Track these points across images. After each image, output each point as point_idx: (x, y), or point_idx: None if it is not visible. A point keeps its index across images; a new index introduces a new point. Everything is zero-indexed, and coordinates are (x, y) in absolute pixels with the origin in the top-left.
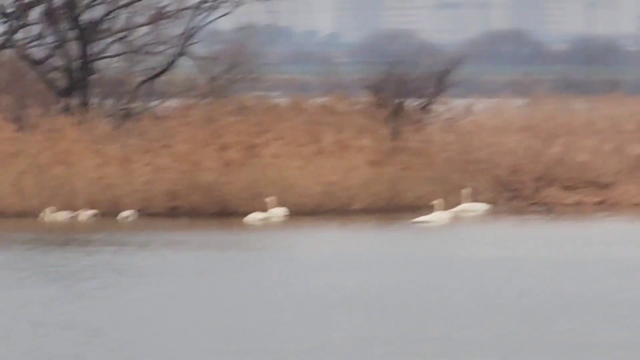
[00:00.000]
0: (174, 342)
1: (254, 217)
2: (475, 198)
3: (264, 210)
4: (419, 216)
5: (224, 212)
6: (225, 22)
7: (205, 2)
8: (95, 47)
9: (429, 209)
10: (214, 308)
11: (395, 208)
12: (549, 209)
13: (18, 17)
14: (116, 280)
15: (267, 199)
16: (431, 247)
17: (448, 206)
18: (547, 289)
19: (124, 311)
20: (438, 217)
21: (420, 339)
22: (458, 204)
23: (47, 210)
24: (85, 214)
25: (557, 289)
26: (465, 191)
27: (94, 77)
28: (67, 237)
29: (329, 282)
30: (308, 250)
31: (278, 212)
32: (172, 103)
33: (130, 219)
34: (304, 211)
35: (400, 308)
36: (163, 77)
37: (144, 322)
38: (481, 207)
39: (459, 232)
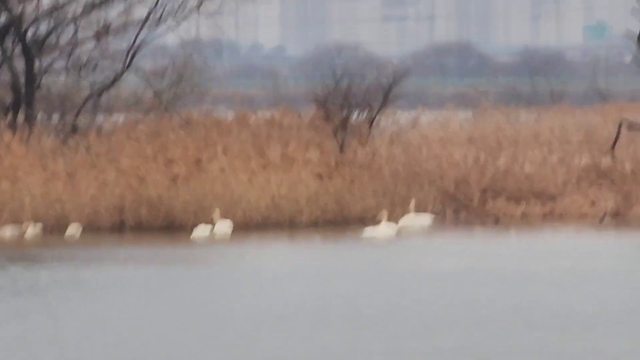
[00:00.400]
0: (120, 358)
1: (201, 230)
2: (421, 210)
3: (210, 222)
4: (365, 228)
5: (171, 226)
6: (170, 37)
7: (150, 17)
8: (41, 63)
9: (376, 221)
10: (160, 323)
11: (342, 221)
12: (497, 220)
13: None
14: (62, 296)
15: (213, 212)
16: (379, 260)
17: (394, 219)
18: (497, 300)
19: (71, 327)
20: (384, 229)
21: (378, 351)
22: (405, 216)
23: None
24: (31, 230)
25: (505, 300)
26: (411, 203)
27: (39, 92)
28: (12, 253)
29: (278, 296)
30: (256, 264)
31: (223, 224)
32: (118, 118)
33: (76, 234)
34: (251, 225)
35: (351, 321)
36: (109, 92)
37: (88, 337)
38: (427, 219)
39: (406, 245)
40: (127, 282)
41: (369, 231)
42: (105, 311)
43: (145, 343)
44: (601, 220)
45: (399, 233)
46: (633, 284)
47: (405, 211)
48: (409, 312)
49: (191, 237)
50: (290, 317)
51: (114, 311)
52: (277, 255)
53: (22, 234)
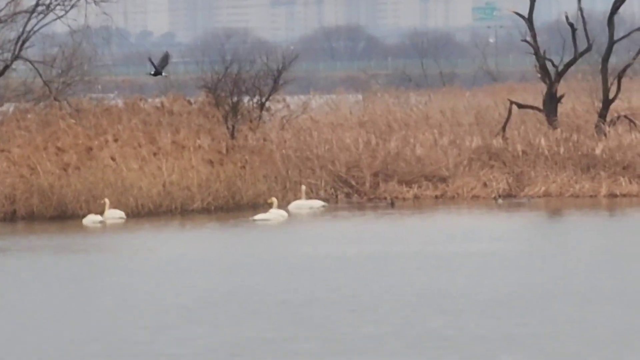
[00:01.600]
0: (9, 346)
1: (91, 219)
2: (313, 194)
3: (101, 212)
4: (257, 214)
5: (63, 215)
6: (59, 26)
7: (39, 6)
8: None
9: (267, 206)
10: (55, 312)
11: (234, 206)
12: (392, 202)
13: None
14: None
15: (102, 201)
16: (270, 246)
17: (286, 204)
18: (393, 284)
19: None
20: (275, 214)
21: (274, 339)
22: (297, 200)
23: None
24: None
25: (400, 283)
26: (303, 188)
27: None
28: None
29: (172, 284)
30: (149, 252)
31: (113, 214)
32: (8, 108)
33: None
34: (143, 213)
35: (249, 308)
36: None
37: None
38: (318, 203)
39: (297, 230)
40: (20, 271)
41: (261, 216)
42: None
43: (42, 331)
44: (495, 200)
45: (290, 218)
46: (530, 267)
47: (296, 196)
48: (302, 297)
49: (83, 223)
50: (186, 305)
51: (6, 300)
52: (169, 242)
53: None
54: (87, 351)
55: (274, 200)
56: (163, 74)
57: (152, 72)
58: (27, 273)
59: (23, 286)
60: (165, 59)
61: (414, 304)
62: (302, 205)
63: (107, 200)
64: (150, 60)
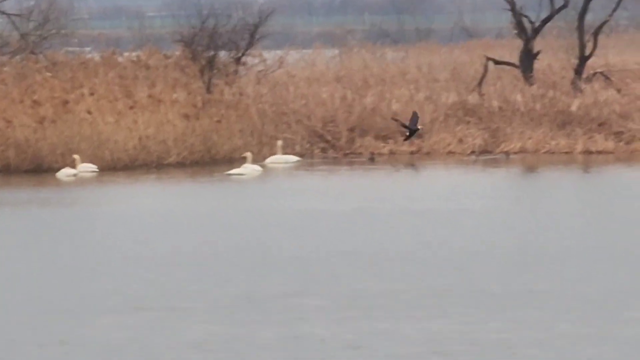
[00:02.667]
0: None
1: (65, 172)
2: (289, 149)
3: (74, 166)
4: (233, 168)
5: (39, 169)
6: None
7: None
8: None
9: (242, 161)
10: (33, 265)
11: (210, 161)
12: (371, 157)
13: None
14: None
15: (75, 155)
16: (245, 200)
17: (262, 158)
18: (369, 238)
19: None
20: (251, 169)
21: (245, 291)
22: (272, 155)
23: None
24: None
25: (381, 239)
26: (278, 143)
27: None
28: None
29: (148, 237)
30: (125, 205)
31: (86, 167)
32: None
33: None
34: (119, 166)
35: (226, 262)
36: None
37: None
38: (293, 158)
39: (271, 184)
40: None
41: (236, 170)
42: None
43: (20, 284)
44: (471, 156)
45: (264, 172)
46: (506, 222)
47: (272, 151)
48: (274, 251)
49: (56, 176)
50: (162, 258)
51: None
52: (145, 196)
53: None
54: (93, 306)
55: (249, 154)
56: (419, 127)
57: (407, 134)
58: (3, 226)
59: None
60: (415, 118)
61: (413, 260)
62: (277, 160)
63: (77, 157)
64: (403, 124)
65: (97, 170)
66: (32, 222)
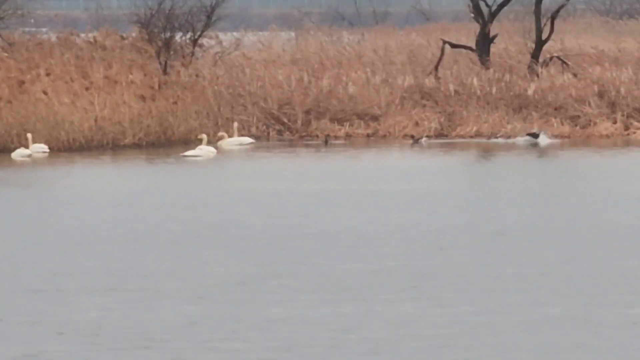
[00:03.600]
0: None
1: (20, 153)
2: (245, 131)
3: (26, 146)
4: (189, 150)
5: None
6: None
7: None
8: None
9: (197, 143)
10: None
11: (166, 142)
12: (326, 140)
13: None
14: None
15: (28, 134)
16: (198, 182)
17: (217, 140)
18: (320, 220)
19: None
20: (206, 151)
21: (188, 269)
22: (225, 137)
23: None
24: None
25: (336, 219)
26: (234, 125)
27: None
28: None
29: (102, 217)
30: (79, 186)
31: (37, 148)
32: None
33: None
34: (75, 147)
35: (188, 242)
36: None
37: None
38: (247, 140)
39: (225, 166)
40: None
41: (191, 152)
42: None
43: None
44: (416, 141)
45: (219, 154)
46: (461, 205)
47: (228, 132)
48: (225, 231)
49: (11, 156)
50: (120, 239)
51: None
52: (101, 177)
53: None
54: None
55: (204, 136)
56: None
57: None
58: None
59: None
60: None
61: (381, 239)
62: (232, 142)
63: (29, 135)
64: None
65: (47, 150)
66: None
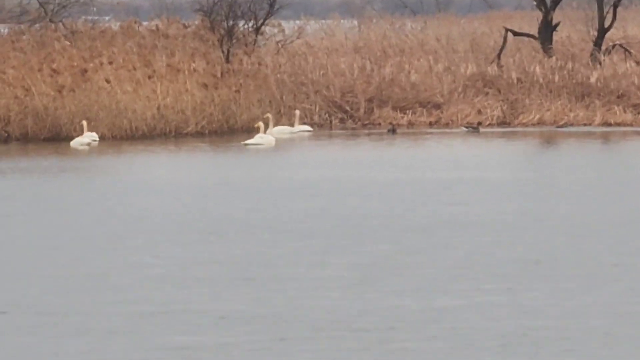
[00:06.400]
0: (13, 266)
1: (79, 141)
2: (307, 120)
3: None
4: (251, 138)
5: (57, 137)
6: None
7: None
8: None
9: (256, 131)
10: (54, 232)
11: (228, 131)
12: (392, 129)
13: None
14: None
15: (83, 122)
16: (265, 169)
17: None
18: (382, 209)
19: None
20: (267, 139)
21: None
22: (290, 126)
23: None
24: None
25: (393, 210)
26: (296, 113)
27: None
28: None
29: (166, 206)
30: (142, 174)
31: (89, 137)
32: (3, 29)
33: None
34: (138, 135)
35: (246, 231)
36: None
37: None
38: (308, 128)
39: (286, 155)
40: (16, 192)
41: (253, 140)
42: None
43: (31, 250)
44: (472, 129)
45: (281, 142)
46: (514, 194)
47: (290, 121)
48: (304, 219)
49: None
50: (182, 226)
51: (4, 222)
52: (162, 165)
53: None
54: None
55: (261, 124)
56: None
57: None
58: (23, 194)
59: (18, 206)
60: None
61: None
62: (283, 130)
63: (84, 123)
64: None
65: (97, 139)
66: (52, 190)
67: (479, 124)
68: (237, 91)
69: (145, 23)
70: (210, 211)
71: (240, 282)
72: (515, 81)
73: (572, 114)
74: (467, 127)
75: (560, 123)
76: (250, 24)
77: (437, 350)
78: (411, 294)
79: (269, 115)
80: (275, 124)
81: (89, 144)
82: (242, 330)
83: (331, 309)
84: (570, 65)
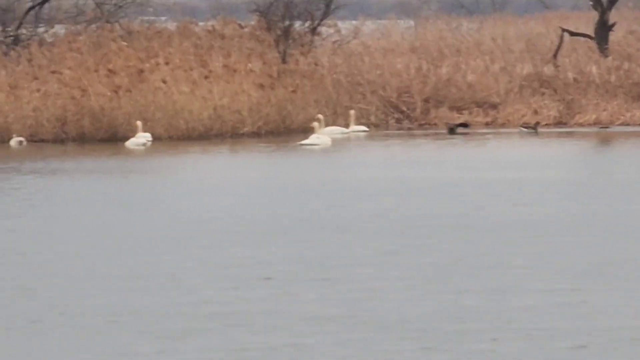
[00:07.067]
0: (75, 265)
1: (134, 142)
2: (364, 120)
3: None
4: (307, 138)
5: (113, 137)
6: None
7: None
8: None
9: (311, 131)
10: (111, 232)
11: (284, 131)
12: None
13: None
14: (9, 206)
15: (137, 123)
16: (322, 170)
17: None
18: (439, 209)
19: (26, 236)
20: (323, 140)
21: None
22: (346, 126)
23: None
24: None
25: (450, 210)
26: (352, 113)
27: None
28: None
29: (223, 206)
30: (198, 175)
31: (142, 137)
32: (60, 29)
33: (19, 145)
34: (194, 136)
35: (315, 231)
36: (50, 3)
37: (46, 245)
38: (363, 128)
39: (344, 154)
40: (80, 193)
41: (309, 141)
42: (54, 221)
43: (100, 251)
44: (530, 130)
45: (336, 143)
46: (567, 194)
47: (346, 121)
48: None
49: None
50: (249, 227)
51: (63, 221)
52: (219, 166)
53: None
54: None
55: (316, 124)
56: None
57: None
58: (80, 194)
59: (76, 207)
60: None
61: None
62: (334, 131)
63: (139, 123)
64: None
65: (151, 140)
66: (115, 191)
67: (537, 124)
68: (294, 91)
69: (201, 23)
70: (275, 211)
71: (312, 283)
72: (571, 81)
73: (628, 114)
74: (525, 128)
75: (604, 124)
76: (307, 24)
77: (510, 351)
78: (482, 294)
79: (320, 116)
80: (331, 125)
81: (144, 145)
82: (314, 331)
83: (401, 309)
84: (626, 65)
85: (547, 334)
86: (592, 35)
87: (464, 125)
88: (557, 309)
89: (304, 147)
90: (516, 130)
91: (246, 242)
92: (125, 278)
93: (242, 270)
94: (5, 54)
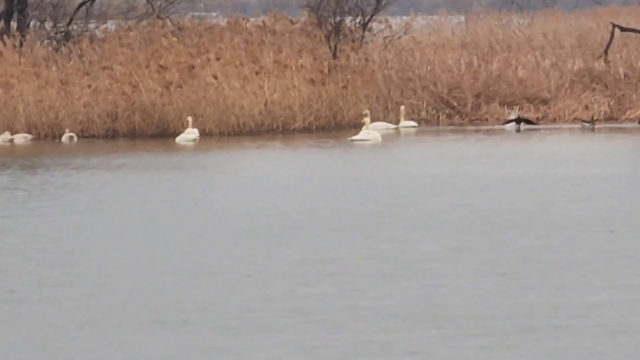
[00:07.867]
0: (148, 261)
1: (184, 138)
2: (415, 115)
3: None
4: (353, 135)
5: (164, 133)
6: None
7: None
8: None
9: (361, 126)
10: (162, 227)
11: (335, 127)
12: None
13: None
14: (60, 201)
15: (188, 117)
16: (370, 166)
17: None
18: (491, 204)
19: (76, 231)
20: (374, 135)
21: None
22: (397, 121)
23: None
24: (22, 137)
25: (500, 204)
26: (402, 108)
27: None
28: (4, 161)
29: (274, 201)
30: (250, 170)
31: (190, 133)
32: (111, 25)
33: (70, 141)
34: (245, 131)
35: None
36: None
37: (94, 240)
38: (412, 124)
39: (395, 150)
40: (125, 188)
41: (359, 136)
42: (106, 217)
43: (151, 246)
44: (590, 125)
45: (387, 138)
46: (629, 189)
47: (397, 116)
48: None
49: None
50: (311, 222)
51: (115, 217)
52: (272, 161)
53: (13, 141)
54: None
55: (367, 120)
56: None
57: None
58: (131, 189)
59: (136, 204)
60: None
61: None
62: (379, 126)
63: (190, 119)
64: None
65: (198, 136)
66: (168, 187)
67: (595, 119)
68: (345, 87)
69: (252, 19)
70: (339, 207)
71: (380, 279)
72: (622, 77)
73: None
74: (584, 122)
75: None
76: (358, 20)
77: (586, 346)
78: (554, 290)
79: (367, 111)
80: (381, 120)
81: (194, 140)
82: (385, 327)
83: (469, 304)
84: None
85: (618, 330)
86: None
87: (530, 121)
88: (629, 305)
89: (354, 142)
90: (567, 125)
91: (314, 238)
92: (196, 274)
93: (311, 267)
94: (57, 49)
